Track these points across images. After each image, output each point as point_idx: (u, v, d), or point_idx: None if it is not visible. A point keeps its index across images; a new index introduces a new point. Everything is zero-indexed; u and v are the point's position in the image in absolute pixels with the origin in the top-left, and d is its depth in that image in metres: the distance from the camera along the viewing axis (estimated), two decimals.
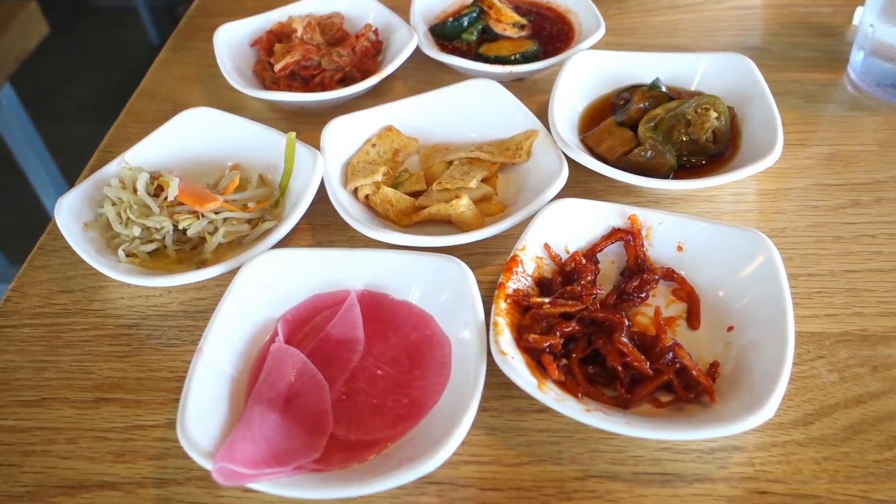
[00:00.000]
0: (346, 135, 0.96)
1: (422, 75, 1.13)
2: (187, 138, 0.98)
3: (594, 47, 1.06)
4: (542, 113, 0.96)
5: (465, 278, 0.75)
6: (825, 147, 0.97)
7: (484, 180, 0.92)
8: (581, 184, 0.91)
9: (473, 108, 0.99)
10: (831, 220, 0.88)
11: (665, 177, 0.90)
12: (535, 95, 1.08)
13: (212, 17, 1.33)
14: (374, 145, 0.97)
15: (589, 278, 0.78)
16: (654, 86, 0.98)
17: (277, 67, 1.08)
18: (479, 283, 0.75)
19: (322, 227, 0.92)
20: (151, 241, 0.87)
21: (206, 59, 1.14)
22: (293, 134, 0.94)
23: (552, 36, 1.14)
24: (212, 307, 0.75)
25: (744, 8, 1.23)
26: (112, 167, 0.94)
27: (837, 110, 1.03)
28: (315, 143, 0.94)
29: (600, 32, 1.07)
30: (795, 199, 0.91)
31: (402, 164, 0.98)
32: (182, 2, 4.56)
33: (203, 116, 0.99)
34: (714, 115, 0.93)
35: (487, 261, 0.87)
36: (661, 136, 0.92)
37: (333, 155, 0.94)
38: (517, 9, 1.20)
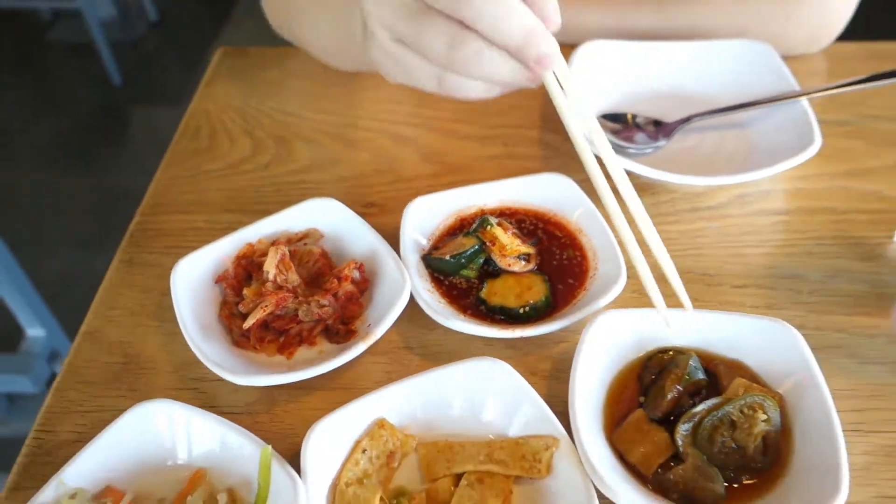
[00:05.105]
0: (332, 440, 0.81)
1: (415, 314, 0.97)
2: (141, 441, 0.83)
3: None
4: (556, 372, 0.91)
5: None
6: (889, 438, 0.84)
7: None
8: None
9: (480, 395, 0.85)
10: None
11: None
12: (546, 348, 0.94)
13: (169, 215, 1.16)
14: (364, 451, 0.82)
15: None
16: (690, 374, 0.84)
17: (246, 325, 0.92)
18: None
19: None
20: None
21: (164, 280, 0.97)
22: (268, 449, 0.79)
23: (562, 267, 1.00)
24: None
25: (772, 213, 1.10)
26: (48, 493, 0.78)
27: (890, 376, 0.90)
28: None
29: (621, 282, 0.93)
30: None
31: (396, 470, 0.83)
32: (144, 35, 4.31)
33: (160, 414, 0.83)
34: (762, 417, 0.80)
35: None
36: (704, 453, 0.79)
37: (317, 475, 0.79)
38: (521, 223, 1.05)
